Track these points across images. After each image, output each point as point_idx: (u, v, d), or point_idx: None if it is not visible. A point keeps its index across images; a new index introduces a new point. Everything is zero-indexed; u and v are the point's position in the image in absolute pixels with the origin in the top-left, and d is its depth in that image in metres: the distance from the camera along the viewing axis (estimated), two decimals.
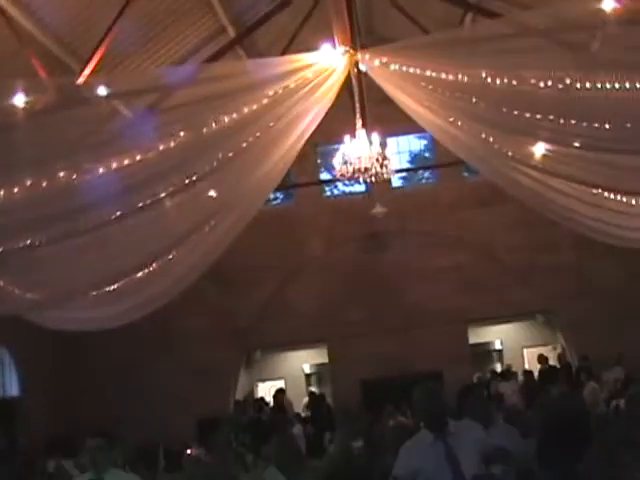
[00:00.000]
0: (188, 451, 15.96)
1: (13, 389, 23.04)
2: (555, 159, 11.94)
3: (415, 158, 27.33)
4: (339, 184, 25.42)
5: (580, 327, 23.82)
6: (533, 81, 8.91)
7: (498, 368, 27.18)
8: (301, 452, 9.56)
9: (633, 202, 13.30)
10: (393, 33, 18.63)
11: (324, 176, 25.95)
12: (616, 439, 6.13)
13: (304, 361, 28.86)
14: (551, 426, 6.58)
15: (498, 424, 9.31)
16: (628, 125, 9.44)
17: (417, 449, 8.25)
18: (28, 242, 10.11)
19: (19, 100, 8.61)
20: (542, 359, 24.38)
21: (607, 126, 9.35)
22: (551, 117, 9.69)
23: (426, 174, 27.41)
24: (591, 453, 5.99)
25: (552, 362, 24.77)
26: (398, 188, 25.70)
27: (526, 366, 25.93)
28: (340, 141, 15.08)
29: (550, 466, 6.26)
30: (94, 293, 13.63)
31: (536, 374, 23.59)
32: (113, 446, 8.52)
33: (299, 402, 25.85)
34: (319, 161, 25.42)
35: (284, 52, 15.79)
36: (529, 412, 13.52)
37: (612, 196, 13.14)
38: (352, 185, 23.84)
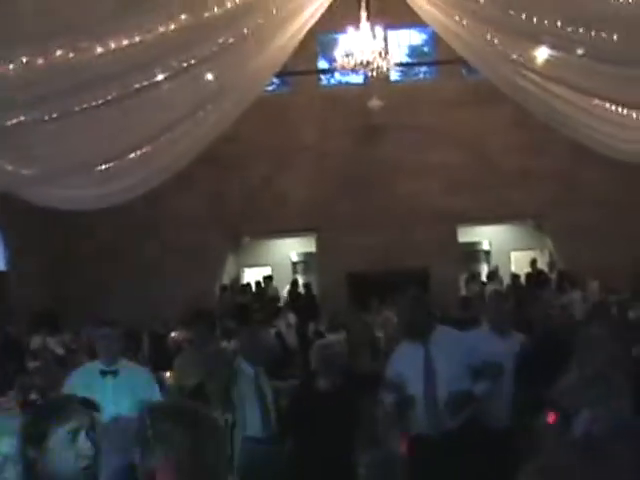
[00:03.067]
0: (172, 334, 16.16)
1: (1, 264, 23.14)
2: (557, 65, 11.80)
3: (414, 52, 27.00)
4: (336, 74, 25.18)
5: (570, 234, 23.88)
6: None
7: (485, 269, 27.38)
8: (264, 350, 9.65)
9: (627, 113, 13.18)
10: None
11: (322, 65, 25.65)
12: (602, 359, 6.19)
13: (291, 249, 28.98)
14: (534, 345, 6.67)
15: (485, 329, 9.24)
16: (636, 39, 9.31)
17: (400, 354, 8.37)
18: (22, 119, 10.02)
19: None
20: (534, 263, 24.54)
21: (615, 37, 9.22)
22: (558, 23, 9.54)
23: (424, 69, 27.12)
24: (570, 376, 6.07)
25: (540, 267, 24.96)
26: (396, 82, 25.42)
27: (512, 269, 26.08)
28: (340, 31, 14.93)
29: (525, 387, 6.35)
30: (87, 172, 13.62)
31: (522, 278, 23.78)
32: (121, 335, 8.33)
33: (284, 289, 26.07)
34: (317, 49, 25.07)
35: None
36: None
37: (611, 107, 13.02)
38: (349, 75, 23.59)
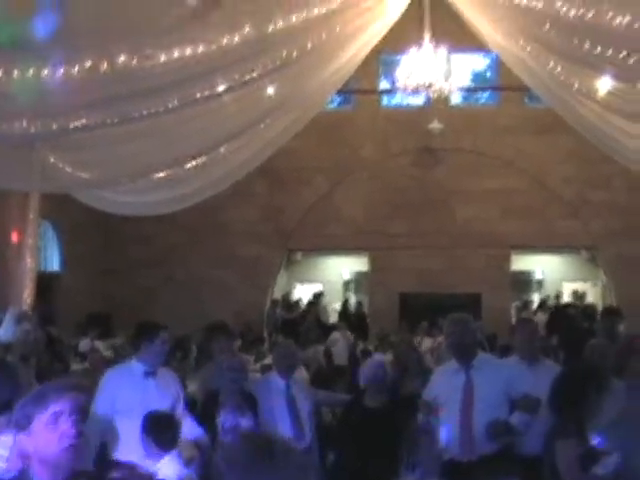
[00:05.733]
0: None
1: (54, 264, 23.38)
2: (620, 96, 11.70)
3: (477, 77, 26.92)
4: (398, 94, 25.19)
5: (624, 267, 23.61)
6: (610, 14, 8.67)
7: (537, 298, 27.17)
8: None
9: None
10: None
11: (384, 84, 25.67)
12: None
13: (344, 267, 28.94)
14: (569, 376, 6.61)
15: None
16: None
17: (441, 376, 8.40)
18: (83, 122, 10.14)
19: None
20: (582, 296, 24.29)
21: None
22: (622, 54, 9.46)
23: (486, 94, 27.03)
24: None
25: (591, 299, 24.69)
26: (457, 105, 25.37)
27: (565, 299, 25.83)
28: (403, 51, 14.90)
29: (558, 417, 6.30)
30: (144, 178, 13.74)
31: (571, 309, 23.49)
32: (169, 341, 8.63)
33: (334, 307, 26.08)
34: (380, 69, 25.09)
35: None
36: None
37: None
38: (410, 96, 23.58)
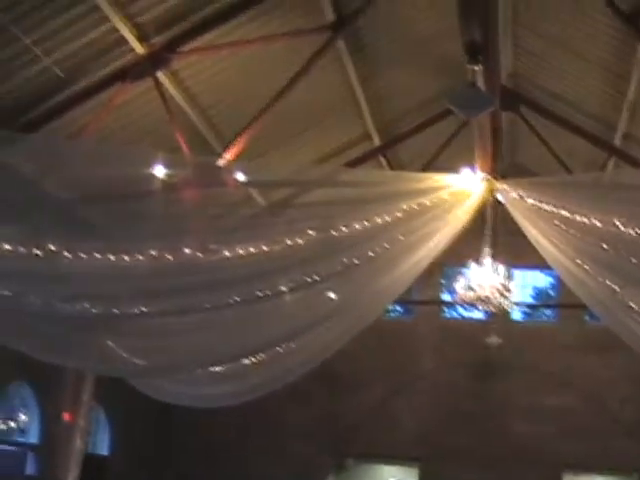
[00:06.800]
0: None
1: (104, 448, 23.37)
2: None
3: (539, 294, 27.08)
4: (458, 307, 25.34)
5: None
6: None
7: None
8: None
9: None
10: (534, 165, 18.73)
11: (445, 296, 25.88)
12: None
13: (391, 476, 28.40)
14: None
15: None
16: None
17: None
18: (144, 309, 10.33)
19: (159, 171, 8.87)
20: None
21: None
22: None
23: (547, 312, 27.12)
24: None
25: None
26: (517, 321, 25.44)
27: None
28: (466, 264, 15.08)
29: None
30: (198, 370, 13.82)
31: None
32: None
33: None
34: (442, 281, 25.36)
35: (425, 168, 15.96)
36: None
37: None
38: (471, 310, 23.72)
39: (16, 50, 12.93)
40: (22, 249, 8.25)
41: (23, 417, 19.78)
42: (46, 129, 14.28)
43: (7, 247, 8.17)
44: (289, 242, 10.15)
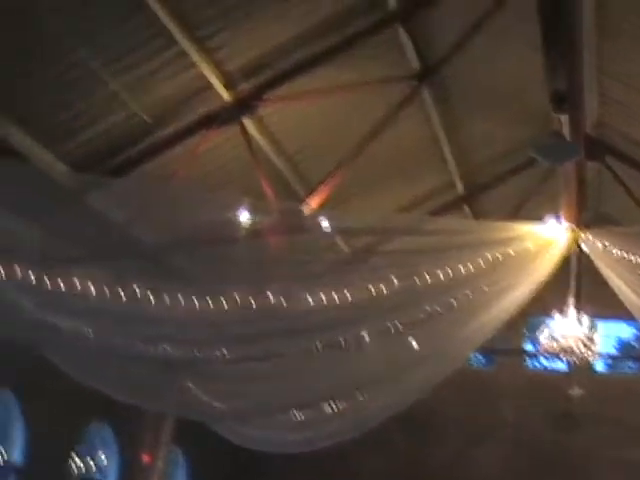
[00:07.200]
0: None
1: None
2: None
3: (623, 345, 26.68)
4: (541, 357, 25.04)
5: None
6: None
7: None
8: None
9: None
10: (619, 214, 18.50)
11: (528, 346, 25.62)
12: None
13: None
14: None
15: None
16: None
17: None
18: (225, 353, 10.41)
19: (244, 217, 8.95)
20: None
21: None
22: None
23: (630, 363, 26.70)
24: None
25: None
26: (600, 373, 25.06)
27: None
28: (549, 314, 14.94)
29: None
30: (278, 415, 13.84)
31: None
32: None
33: None
34: (525, 331, 25.10)
35: (509, 217, 15.84)
36: None
37: None
38: (554, 361, 23.45)
39: (104, 94, 13.10)
40: (107, 290, 8.39)
41: (102, 457, 19.92)
42: (132, 175, 14.46)
43: (92, 288, 8.31)
44: (372, 289, 10.15)
